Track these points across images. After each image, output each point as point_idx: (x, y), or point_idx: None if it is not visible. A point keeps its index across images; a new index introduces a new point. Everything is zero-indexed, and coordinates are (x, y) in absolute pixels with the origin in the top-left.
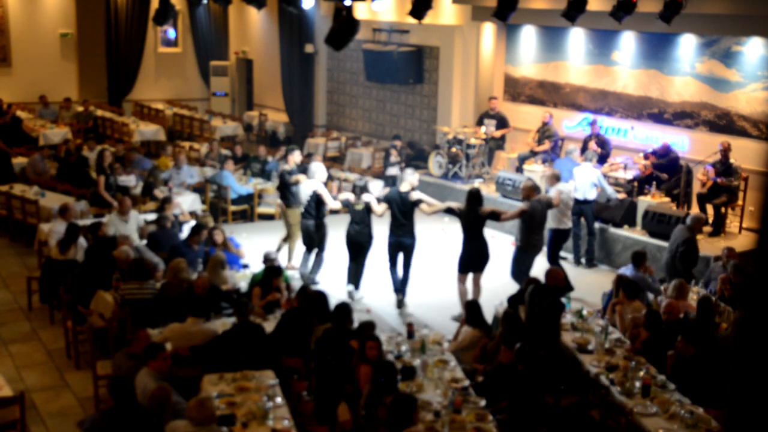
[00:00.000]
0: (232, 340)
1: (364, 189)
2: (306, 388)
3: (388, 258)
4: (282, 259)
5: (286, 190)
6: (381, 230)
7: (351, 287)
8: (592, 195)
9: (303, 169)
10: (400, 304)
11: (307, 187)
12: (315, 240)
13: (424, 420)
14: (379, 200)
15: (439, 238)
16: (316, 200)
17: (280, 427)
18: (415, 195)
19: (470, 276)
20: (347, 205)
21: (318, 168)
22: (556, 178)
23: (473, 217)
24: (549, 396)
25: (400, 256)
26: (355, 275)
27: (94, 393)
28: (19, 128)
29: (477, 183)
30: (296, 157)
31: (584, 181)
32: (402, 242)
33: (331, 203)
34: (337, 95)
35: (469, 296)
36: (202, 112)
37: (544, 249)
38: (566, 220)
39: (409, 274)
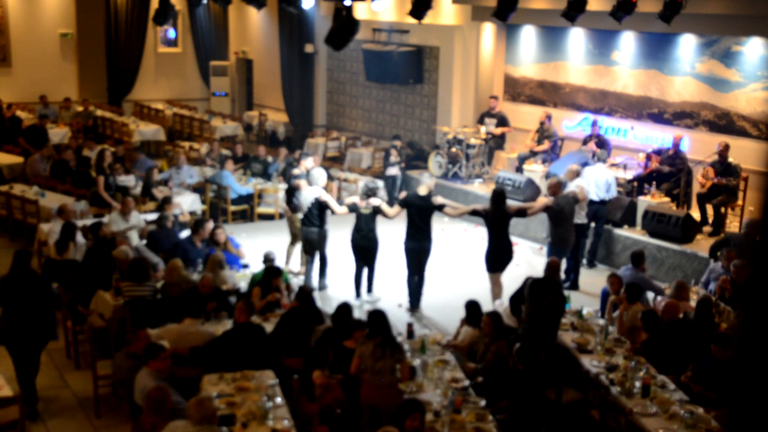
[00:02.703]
0: (233, 341)
1: (373, 192)
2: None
3: (407, 264)
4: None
5: (293, 195)
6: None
7: (367, 296)
8: (608, 195)
9: (307, 174)
10: (414, 308)
11: (309, 193)
12: (316, 248)
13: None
14: (393, 203)
15: (440, 239)
16: (319, 207)
17: (280, 427)
18: (439, 199)
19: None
20: (354, 210)
21: (319, 174)
22: (576, 173)
23: (500, 216)
24: (549, 391)
25: (416, 261)
26: (368, 280)
27: (94, 393)
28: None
29: (477, 183)
30: (309, 163)
31: (599, 182)
32: (422, 246)
33: (338, 209)
34: (337, 95)
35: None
36: (202, 112)
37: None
38: (583, 213)
39: (423, 278)
